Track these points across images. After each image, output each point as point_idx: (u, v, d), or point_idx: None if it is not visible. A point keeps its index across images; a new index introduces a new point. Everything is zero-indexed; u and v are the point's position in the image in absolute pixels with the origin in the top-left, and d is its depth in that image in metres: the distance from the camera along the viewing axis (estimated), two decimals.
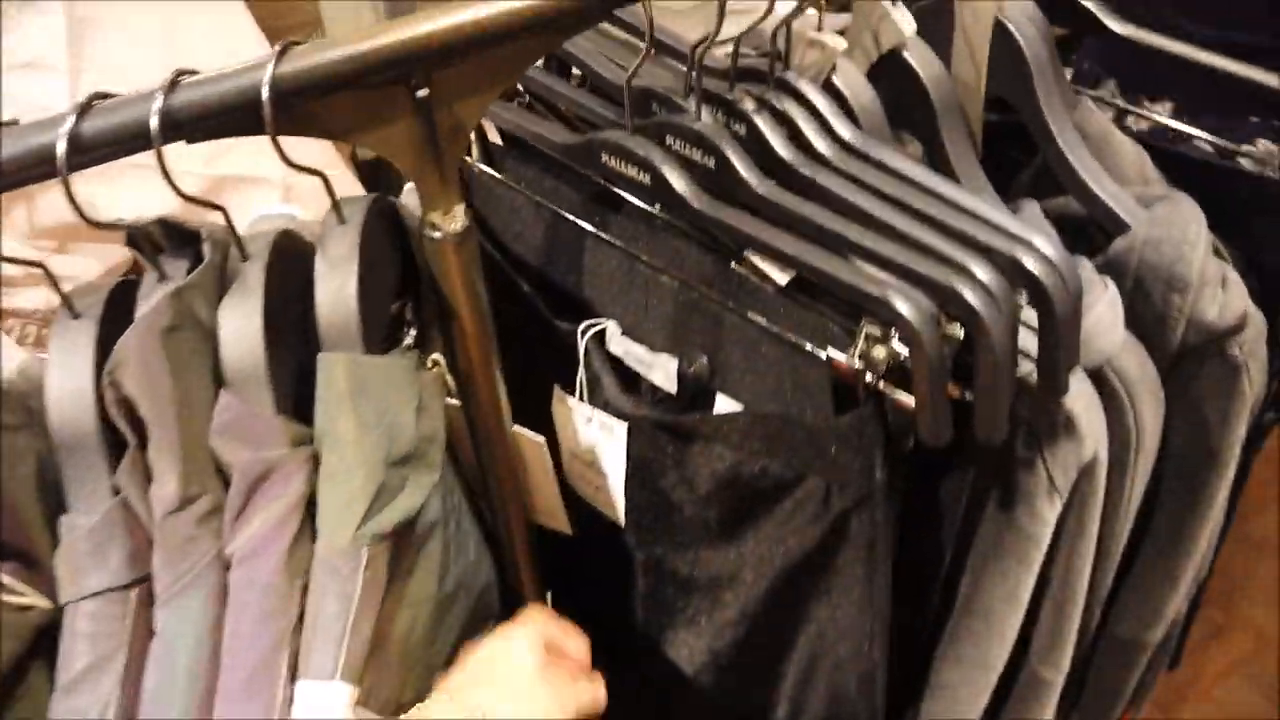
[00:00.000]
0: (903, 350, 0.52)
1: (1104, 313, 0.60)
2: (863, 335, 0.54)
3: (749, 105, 0.62)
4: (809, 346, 0.55)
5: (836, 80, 0.64)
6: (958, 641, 0.71)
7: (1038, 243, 0.54)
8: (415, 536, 0.56)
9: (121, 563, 0.50)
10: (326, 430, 0.52)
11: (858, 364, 0.53)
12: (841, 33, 0.67)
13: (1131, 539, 0.71)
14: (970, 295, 0.49)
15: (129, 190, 0.70)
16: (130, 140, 0.45)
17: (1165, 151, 0.70)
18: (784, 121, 0.62)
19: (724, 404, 0.63)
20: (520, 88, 0.75)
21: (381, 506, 0.52)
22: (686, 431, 0.64)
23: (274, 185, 0.85)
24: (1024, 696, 0.75)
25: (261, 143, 0.49)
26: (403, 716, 0.53)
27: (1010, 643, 0.69)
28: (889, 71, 0.67)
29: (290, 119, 0.48)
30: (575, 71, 0.75)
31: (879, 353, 0.54)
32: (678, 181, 0.58)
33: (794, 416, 0.58)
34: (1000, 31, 0.67)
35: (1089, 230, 0.68)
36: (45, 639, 0.52)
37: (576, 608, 0.97)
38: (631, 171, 0.60)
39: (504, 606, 0.75)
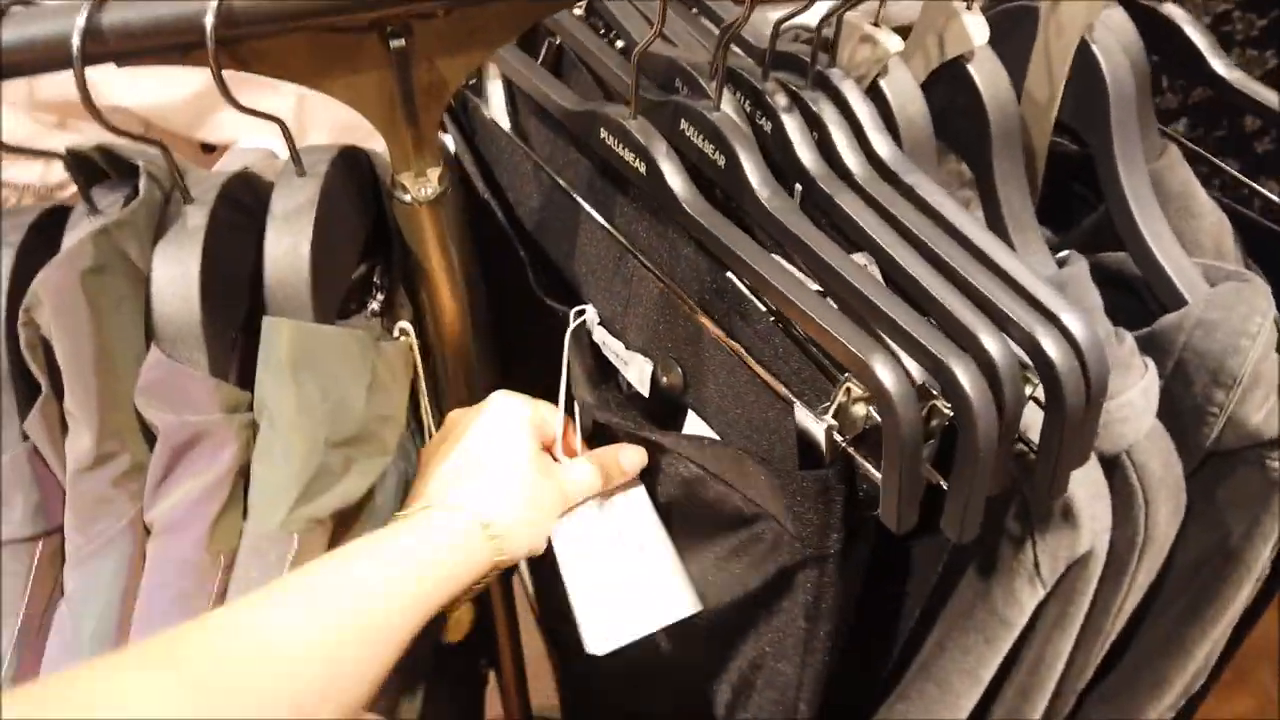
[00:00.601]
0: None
1: (1135, 399, 0.53)
2: (842, 389, 0.48)
3: (780, 100, 0.55)
4: (782, 390, 0.50)
5: (883, 84, 0.57)
6: (908, 701, 0.66)
7: (1067, 321, 0.47)
8: (362, 522, 0.53)
9: (27, 514, 0.47)
10: (265, 402, 0.49)
11: (828, 420, 0.47)
12: (905, 30, 0.59)
13: (1124, 632, 0.65)
14: (963, 377, 0.43)
15: (123, 76, 0.66)
16: (46, 57, 0.40)
17: (1245, 220, 0.62)
18: (816, 125, 0.55)
19: (694, 422, 0.58)
20: (548, 27, 0.69)
21: (320, 491, 0.49)
22: (655, 444, 0.60)
23: (285, 94, 0.79)
24: None
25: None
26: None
27: (963, 717, 0.65)
28: (948, 80, 0.59)
29: (236, 54, 0.43)
30: None
31: (858, 411, 0.48)
32: (673, 179, 0.52)
33: (758, 454, 0.53)
34: (1083, 52, 0.58)
35: (1145, 296, 0.61)
36: None
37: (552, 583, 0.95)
38: (628, 156, 0.54)
39: None
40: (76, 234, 0.46)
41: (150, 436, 0.49)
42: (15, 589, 0.47)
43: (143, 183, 0.47)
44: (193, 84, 0.83)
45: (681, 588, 0.58)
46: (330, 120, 0.87)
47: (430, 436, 0.63)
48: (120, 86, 0.77)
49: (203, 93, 0.82)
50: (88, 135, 0.59)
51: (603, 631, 0.57)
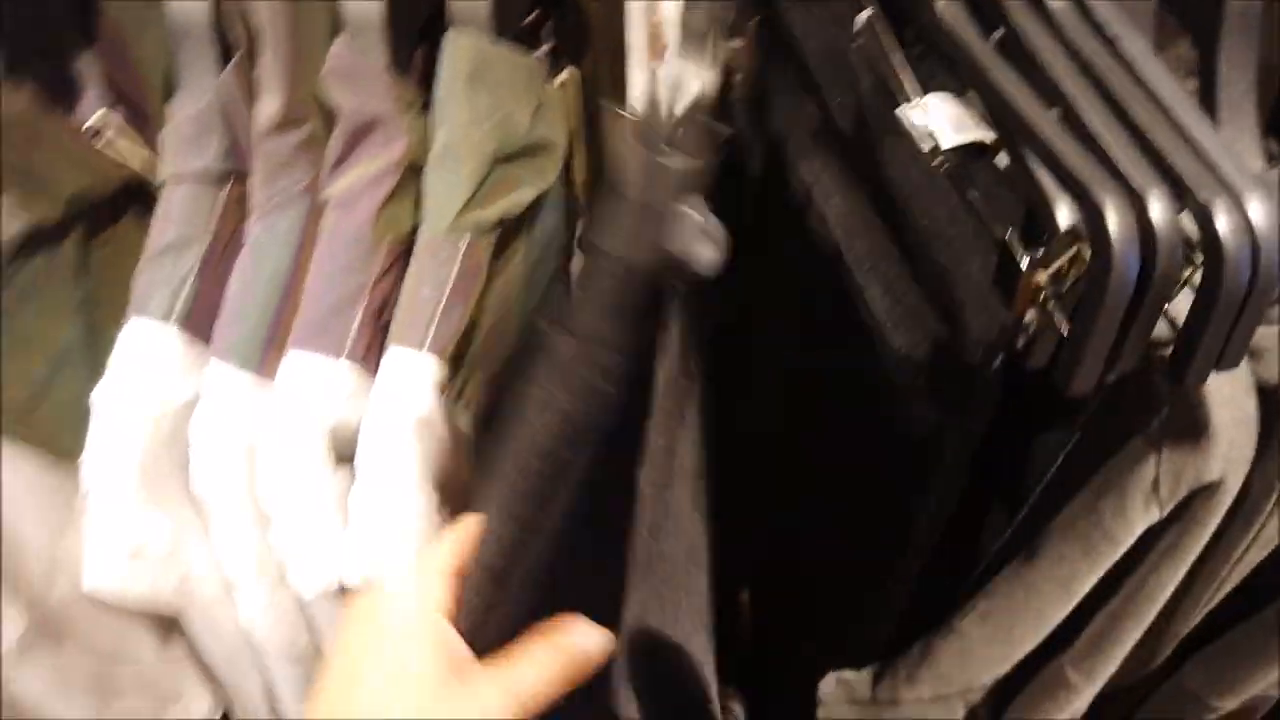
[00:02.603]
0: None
1: None
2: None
3: None
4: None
5: None
6: (991, 598, 0.64)
7: (1249, 201, 0.42)
8: (525, 244, 0.56)
9: (220, 152, 0.52)
10: (441, 111, 0.51)
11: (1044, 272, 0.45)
12: None
13: (1241, 587, 0.60)
14: (1111, 216, 0.40)
15: None
16: None
17: None
18: None
19: None
20: None
21: (486, 198, 0.52)
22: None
23: None
24: (1043, 689, 0.68)
25: None
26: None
27: (1045, 629, 0.62)
28: None
29: None
30: None
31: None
32: None
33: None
34: None
35: None
36: (137, 201, 0.55)
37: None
38: None
39: None
40: None
41: (328, 118, 0.52)
42: (202, 215, 0.52)
43: None
44: None
45: None
46: None
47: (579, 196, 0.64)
48: None
49: None
50: None
51: None
